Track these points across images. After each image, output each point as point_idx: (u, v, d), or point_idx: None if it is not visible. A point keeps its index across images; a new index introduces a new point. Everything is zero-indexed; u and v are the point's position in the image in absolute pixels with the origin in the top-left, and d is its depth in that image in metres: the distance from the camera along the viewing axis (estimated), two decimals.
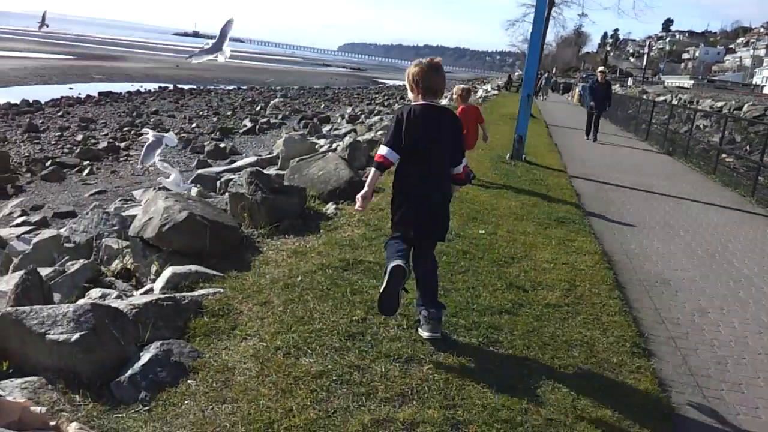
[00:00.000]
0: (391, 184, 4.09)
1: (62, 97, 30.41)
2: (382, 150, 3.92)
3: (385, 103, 41.09)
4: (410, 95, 4.03)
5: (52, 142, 19.41)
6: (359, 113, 32.05)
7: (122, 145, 19.51)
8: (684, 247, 7.40)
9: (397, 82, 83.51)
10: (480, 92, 41.12)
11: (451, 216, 6.66)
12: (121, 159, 17.88)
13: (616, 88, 59.87)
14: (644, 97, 32.47)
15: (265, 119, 28.21)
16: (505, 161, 11.54)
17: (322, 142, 15.56)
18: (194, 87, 43.31)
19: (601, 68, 19.82)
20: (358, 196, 3.94)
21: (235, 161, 16.05)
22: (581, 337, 4.21)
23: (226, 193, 9.03)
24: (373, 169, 4.02)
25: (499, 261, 5.55)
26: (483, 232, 6.40)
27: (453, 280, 4.89)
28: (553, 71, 71.54)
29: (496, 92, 43.96)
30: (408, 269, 3.73)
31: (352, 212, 6.60)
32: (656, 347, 4.43)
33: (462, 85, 10.11)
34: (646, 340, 4.49)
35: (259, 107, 34.00)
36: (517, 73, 75.15)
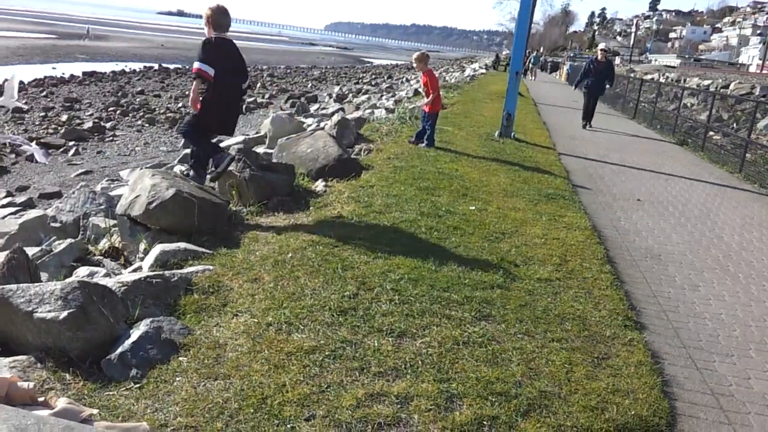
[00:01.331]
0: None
1: (45, 77, 29.92)
2: (199, 65, 5.54)
3: (373, 83, 40.83)
4: (206, 30, 5.73)
5: (36, 123, 19.11)
6: (347, 92, 31.81)
7: (108, 125, 19.26)
8: (674, 222, 7.41)
9: (385, 62, 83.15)
10: (468, 71, 40.98)
11: (441, 192, 6.69)
12: (107, 139, 17.64)
13: None
14: (632, 75, 32.46)
15: (251, 99, 27.96)
16: (494, 139, 11.50)
17: (309, 121, 15.42)
18: (180, 66, 42.81)
19: (602, 45, 17.31)
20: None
21: (222, 141, 15.88)
22: (573, 310, 4.21)
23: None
24: (195, 80, 5.65)
25: (490, 237, 5.53)
26: (473, 208, 6.38)
27: (444, 255, 4.86)
28: (541, 50, 71.32)
29: (483, 71, 43.81)
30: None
31: (342, 189, 6.55)
32: (648, 320, 4.44)
33: (416, 54, 10.24)
34: (637, 314, 4.50)
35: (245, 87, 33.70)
36: (504, 52, 74.92)
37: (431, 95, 9.61)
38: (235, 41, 6.08)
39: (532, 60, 40.44)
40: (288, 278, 4.14)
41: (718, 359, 4.02)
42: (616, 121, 19.83)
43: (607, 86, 16.99)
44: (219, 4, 5.80)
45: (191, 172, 6.23)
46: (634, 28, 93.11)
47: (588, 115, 16.50)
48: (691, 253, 6.25)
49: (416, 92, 20.24)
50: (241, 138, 14.78)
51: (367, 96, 26.12)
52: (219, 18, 5.69)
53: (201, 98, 5.72)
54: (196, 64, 5.56)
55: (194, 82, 5.70)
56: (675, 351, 4.04)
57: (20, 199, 10.89)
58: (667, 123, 18.29)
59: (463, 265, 4.70)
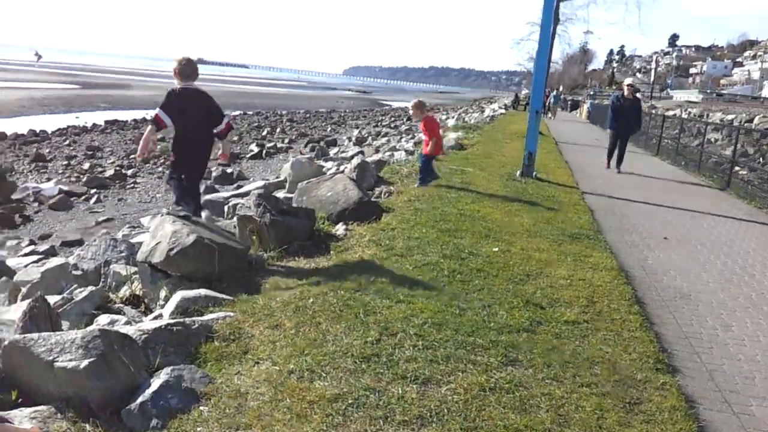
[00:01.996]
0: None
1: (68, 126, 30.58)
2: (157, 111, 5.85)
3: (392, 125, 41.13)
4: (176, 79, 6.06)
5: (60, 171, 19.45)
6: (366, 135, 32.07)
7: (129, 172, 19.52)
8: (702, 260, 7.26)
9: (403, 104, 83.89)
10: (487, 112, 41.19)
11: (463, 234, 6.62)
12: (128, 186, 17.86)
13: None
14: (653, 111, 32.38)
15: (271, 144, 28.27)
16: (516, 179, 11.44)
17: (329, 164, 15.52)
18: None
19: (628, 80, 15.83)
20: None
21: (242, 186, 16.00)
22: (603, 354, 4.09)
23: (234, 217, 8.99)
24: (149, 126, 5.94)
25: (514, 279, 5.44)
26: (497, 249, 6.29)
27: (468, 299, 4.78)
28: (560, 89, 71.64)
29: (503, 111, 44.02)
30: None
31: (363, 233, 6.52)
32: (680, 363, 4.30)
33: (413, 101, 10.44)
34: (669, 356, 4.35)
35: (265, 132, 34.10)
36: (523, 92, 75.33)
37: (431, 140, 9.78)
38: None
39: (551, 99, 40.36)
40: (309, 324, 4.08)
41: (755, 403, 3.86)
42: (639, 158, 19.69)
43: (636, 128, 15.50)
44: (184, 56, 6.19)
45: (176, 207, 6.19)
46: (653, 65, 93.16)
47: (618, 157, 14.85)
48: (723, 292, 6.09)
49: None
50: (261, 183, 14.91)
51: (386, 138, 26.28)
52: (183, 68, 6.05)
53: (172, 144, 6.30)
54: (155, 111, 5.97)
55: (148, 127, 6.01)
56: (710, 395, 3.89)
57: (43, 247, 10.99)
58: (691, 159, 18.12)
59: (488, 308, 4.60)
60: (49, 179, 18.13)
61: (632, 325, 4.68)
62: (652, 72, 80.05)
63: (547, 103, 37.76)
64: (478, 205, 8.43)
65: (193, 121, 5.98)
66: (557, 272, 5.80)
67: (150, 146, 6.06)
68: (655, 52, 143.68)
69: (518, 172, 11.86)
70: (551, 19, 13.54)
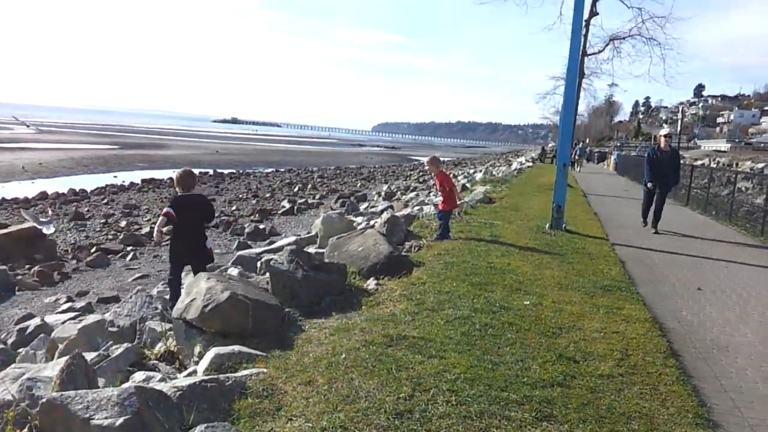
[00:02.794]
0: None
1: (107, 185, 31.42)
2: (167, 209, 7.21)
3: (420, 179, 41.41)
4: (177, 188, 7.51)
5: (97, 229, 19.88)
6: (395, 190, 32.31)
7: (164, 229, 19.89)
8: (739, 311, 7.12)
9: None
10: (514, 165, 41.31)
11: (494, 288, 6.61)
12: (164, 244, 18.13)
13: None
14: (682, 162, 32.19)
15: (302, 200, 28.62)
16: (545, 231, 11.41)
17: (359, 219, 15.64)
18: (233, 171, 44.36)
19: (664, 131, 14.71)
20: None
21: (274, 242, 16.16)
22: (639, 408, 4.02)
23: (266, 273, 9.08)
24: (161, 217, 7.18)
25: (546, 332, 5.40)
26: (528, 303, 6.26)
27: (500, 353, 4.75)
28: (587, 141, 71.65)
29: (530, 164, 44.13)
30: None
31: (394, 287, 6.54)
32: (721, 417, 4.20)
33: (428, 157, 11.27)
34: (709, 411, 4.26)
35: (296, 188, 34.57)
36: (550, 145, 75.46)
37: (445, 194, 10.13)
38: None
39: (578, 152, 40.29)
40: (342, 380, 4.08)
41: None
42: (668, 208, 19.47)
43: (675, 182, 14.30)
44: (185, 169, 7.86)
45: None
46: (680, 115, 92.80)
47: (654, 215, 13.60)
48: (762, 344, 5.95)
49: (464, 188, 20.42)
50: (293, 238, 15.04)
51: (415, 193, 26.45)
52: (185, 180, 7.48)
53: (172, 233, 7.57)
54: (165, 209, 7.35)
55: (160, 218, 7.30)
56: None
57: (80, 303, 11.18)
58: (722, 208, 17.91)
59: (521, 362, 4.57)
60: (87, 237, 18.55)
61: (669, 379, 4.60)
62: (679, 122, 79.73)
63: (573, 156, 37.66)
64: (508, 258, 8.42)
65: (188, 218, 7.30)
66: (590, 325, 5.75)
67: (163, 234, 7.31)
68: (681, 103, 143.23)
69: (547, 225, 11.83)
70: (576, 74, 13.69)
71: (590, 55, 35.87)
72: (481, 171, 37.87)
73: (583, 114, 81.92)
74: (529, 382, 4.22)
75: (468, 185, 21.42)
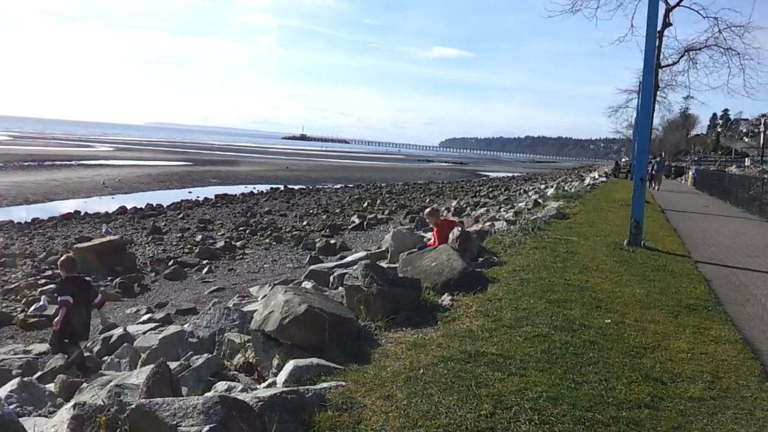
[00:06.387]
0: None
1: (182, 200, 32.45)
2: (63, 298, 8.47)
3: (490, 195, 41.07)
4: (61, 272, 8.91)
5: (174, 243, 20.51)
6: (464, 206, 32.14)
7: (238, 244, 20.32)
8: None
9: (501, 174, 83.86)
10: (587, 180, 40.42)
11: (572, 305, 6.44)
12: (237, 257, 18.57)
13: (732, 168, 57.31)
14: (765, 176, 30.82)
15: (372, 215, 28.79)
16: (623, 248, 11.07)
17: (429, 235, 15.57)
18: (303, 187, 45.09)
19: None
20: None
21: (345, 257, 16.31)
22: None
23: (340, 287, 9.13)
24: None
25: (630, 352, 5.21)
26: (609, 321, 6.07)
27: (583, 372, 4.61)
28: (663, 155, 69.50)
29: (603, 179, 43.09)
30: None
31: (469, 303, 6.46)
32: None
33: (427, 209, 11.94)
34: None
35: (366, 204, 34.81)
36: (624, 159, 73.60)
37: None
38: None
39: (654, 166, 38.54)
40: (421, 395, 4.04)
41: None
42: (753, 224, 18.69)
43: None
44: (67, 256, 9.26)
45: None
46: (762, 128, 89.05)
47: None
48: None
49: (536, 203, 20.11)
50: (363, 253, 15.13)
51: (485, 209, 26.21)
52: (67, 264, 8.72)
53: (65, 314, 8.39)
54: (61, 298, 8.50)
55: (62, 310, 8.39)
56: None
57: (159, 315, 11.53)
58: None
59: (605, 382, 4.42)
60: (164, 250, 19.14)
61: (765, 404, 4.35)
62: (761, 135, 76.47)
63: (650, 171, 35.96)
64: (585, 275, 8.20)
65: (77, 296, 8.47)
66: (676, 345, 5.52)
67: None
68: (763, 115, 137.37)
69: (625, 241, 11.49)
70: (651, 86, 13.34)
71: (664, 66, 34.85)
72: (552, 186, 37.24)
73: (657, 128, 79.40)
74: (615, 402, 4.07)
75: (540, 201, 21.06)
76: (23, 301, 13.42)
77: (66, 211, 26.12)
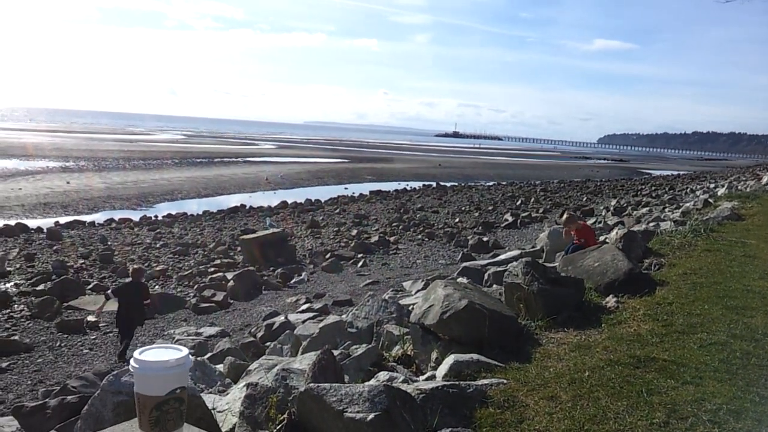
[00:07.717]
0: None
1: (339, 196, 33.66)
2: (109, 293, 11.74)
3: (653, 194, 38.86)
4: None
5: (331, 237, 21.29)
6: (625, 205, 30.65)
7: (391, 239, 20.72)
8: None
9: (665, 172, 79.20)
10: (765, 179, 37.10)
11: (754, 313, 5.92)
12: (391, 252, 18.93)
13: None
14: None
15: (525, 213, 28.24)
16: None
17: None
18: (455, 184, 45.13)
19: None
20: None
21: (498, 255, 16.11)
22: None
23: (495, 285, 9.03)
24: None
25: None
26: None
27: None
28: None
29: None
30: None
31: (636, 306, 6.13)
32: None
33: (564, 216, 11.32)
34: None
35: (519, 201, 34.22)
36: None
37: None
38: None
39: None
40: (587, 398, 3.88)
41: None
42: None
43: None
44: (135, 267, 12.14)
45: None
46: None
47: None
48: None
49: (706, 203, 18.75)
50: (517, 252, 14.88)
51: (647, 208, 24.84)
52: (135, 275, 11.23)
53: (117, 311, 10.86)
54: (108, 292, 11.60)
55: (103, 301, 11.68)
56: None
57: (317, 305, 12.00)
58: None
59: None
60: (322, 243, 19.92)
61: None
62: None
63: None
64: (767, 281, 7.51)
65: (125, 299, 10.64)
66: None
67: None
68: None
69: None
70: None
71: None
72: (723, 185, 34.56)
73: None
74: None
75: (710, 201, 19.62)
76: (195, 287, 14.50)
77: (233, 205, 27.99)
